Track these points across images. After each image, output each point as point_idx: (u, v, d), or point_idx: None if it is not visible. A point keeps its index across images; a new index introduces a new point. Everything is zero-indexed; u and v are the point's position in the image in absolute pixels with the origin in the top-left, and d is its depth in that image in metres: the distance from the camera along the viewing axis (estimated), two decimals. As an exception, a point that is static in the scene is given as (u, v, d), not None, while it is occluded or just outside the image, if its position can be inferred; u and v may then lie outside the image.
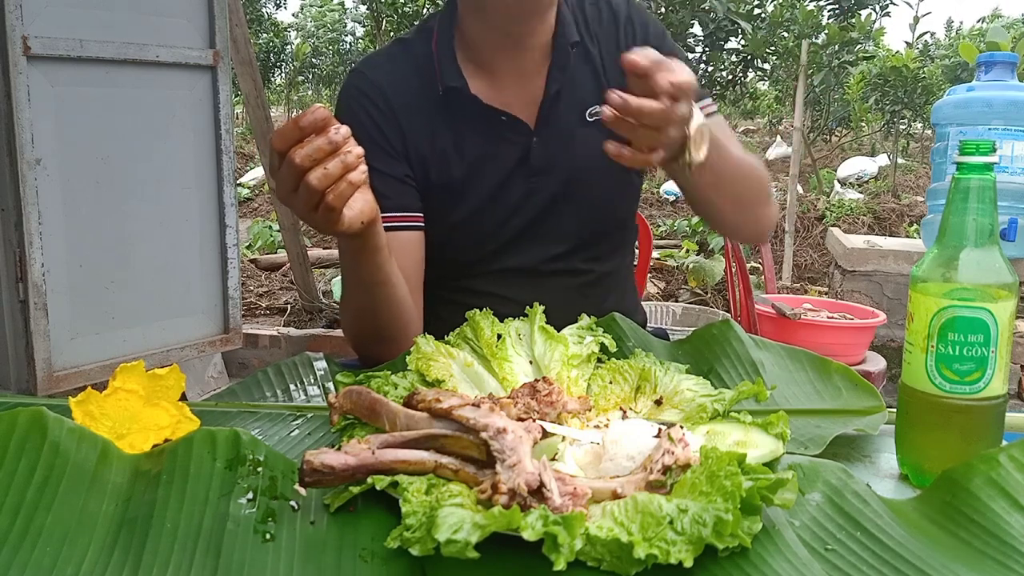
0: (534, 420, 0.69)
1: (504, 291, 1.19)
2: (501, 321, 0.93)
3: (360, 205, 0.88)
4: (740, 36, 5.63)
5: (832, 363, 0.91)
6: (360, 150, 0.84)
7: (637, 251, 2.28)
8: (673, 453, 0.63)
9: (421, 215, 1.17)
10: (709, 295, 4.57)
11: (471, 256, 1.21)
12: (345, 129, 0.83)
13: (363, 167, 0.85)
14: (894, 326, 3.71)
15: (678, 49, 1.26)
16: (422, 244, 1.18)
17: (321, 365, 0.99)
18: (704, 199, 1.09)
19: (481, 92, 1.15)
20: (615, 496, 0.61)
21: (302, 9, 12.11)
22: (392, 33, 8.31)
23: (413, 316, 1.11)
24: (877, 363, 2.74)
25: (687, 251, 5.19)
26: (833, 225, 5.78)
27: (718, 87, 7.64)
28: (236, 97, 3.63)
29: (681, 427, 0.68)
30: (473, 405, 0.67)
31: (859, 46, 6.19)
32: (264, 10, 11.31)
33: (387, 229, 1.13)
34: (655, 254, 4.85)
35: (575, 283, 1.22)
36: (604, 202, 1.23)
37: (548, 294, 1.06)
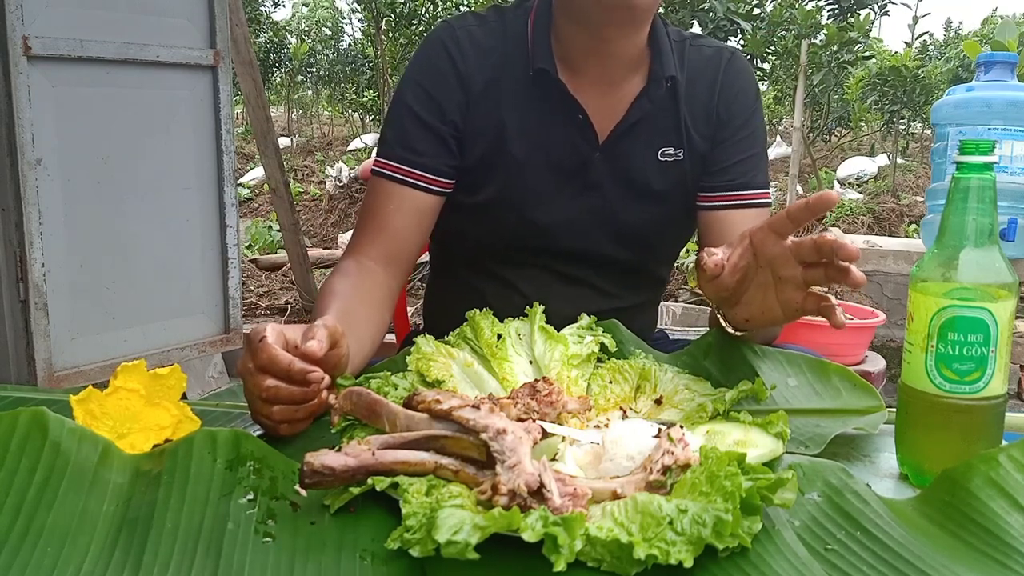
0: (534, 420, 0.69)
1: (526, 288, 1.18)
2: (501, 321, 0.93)
3: None
4: (739, 36, 5.62)
5: (830, 365, 0.91)
6: (328, 380, 0.77)
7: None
8: (673, 453, 0.63)
9: (448, 182, 1.15)
10: (709, 295, 4.56)
11: (498, 241, 1.19)
12: (325, 380, 0.77)
13: (323, 394, 0.78)
14: (894, 326, 3.71)
15: (762, 121, 1.24)
16: (433, 211, 1.15)
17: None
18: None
19: (566, 82, 1.13)
20: (615, 496, 0.61)
21: (294, 15, 12.11)
22: (391, 33, 8.31)
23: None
24: (877, 363, 2.74)
25: (687, 251, 5.19)
26: (833, 225, 5.79)
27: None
28: (236, 97, 3.63)
29: (681, 427, 0.68)
30: (473, 406, 0.67)
31: (858, 46, 6.19)
32: (263, 8, 11.28)
33: (405, 184, 1.12)
34: (655, 254, 4.83)
35: (596, 304, 1.13)
36: (643, 240, 1.20)
37: (564, 303, 1.03)
